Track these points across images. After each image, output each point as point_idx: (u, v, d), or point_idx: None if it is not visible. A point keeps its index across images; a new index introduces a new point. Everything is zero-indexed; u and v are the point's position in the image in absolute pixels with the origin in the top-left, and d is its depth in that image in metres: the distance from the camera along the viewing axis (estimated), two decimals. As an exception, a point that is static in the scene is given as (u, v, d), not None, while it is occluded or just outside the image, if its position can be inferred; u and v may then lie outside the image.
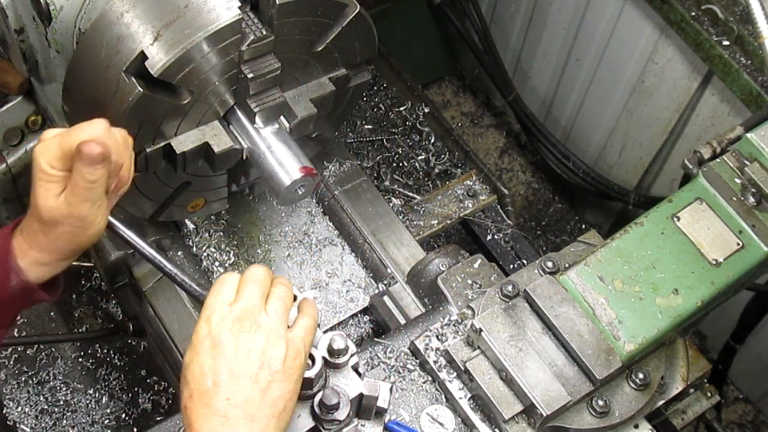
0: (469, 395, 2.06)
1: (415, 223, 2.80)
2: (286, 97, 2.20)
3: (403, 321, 2.42)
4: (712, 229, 2.10)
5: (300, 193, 2.18)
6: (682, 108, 3.55)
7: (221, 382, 1.54)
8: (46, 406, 3.02)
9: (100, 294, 3.26)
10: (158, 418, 2.92)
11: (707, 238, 2.09)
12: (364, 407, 1.80)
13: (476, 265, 2.32)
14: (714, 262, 2.07)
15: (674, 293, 2.04)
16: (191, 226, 2.64)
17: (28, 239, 1.74)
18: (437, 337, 2.13)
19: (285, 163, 2.15)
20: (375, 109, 3.59)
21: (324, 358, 1.73)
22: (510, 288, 2.12)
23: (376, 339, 2.20)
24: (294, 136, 2.24)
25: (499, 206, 2.90)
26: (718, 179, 2.13)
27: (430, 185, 3.50)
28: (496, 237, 2.82)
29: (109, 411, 3.04)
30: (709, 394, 2.30)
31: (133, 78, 1.97)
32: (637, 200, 3.90)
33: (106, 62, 2.00)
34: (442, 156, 3.53)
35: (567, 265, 2.10)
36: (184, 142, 2.15)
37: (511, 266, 2.74)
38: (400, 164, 3.52)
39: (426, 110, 3.57)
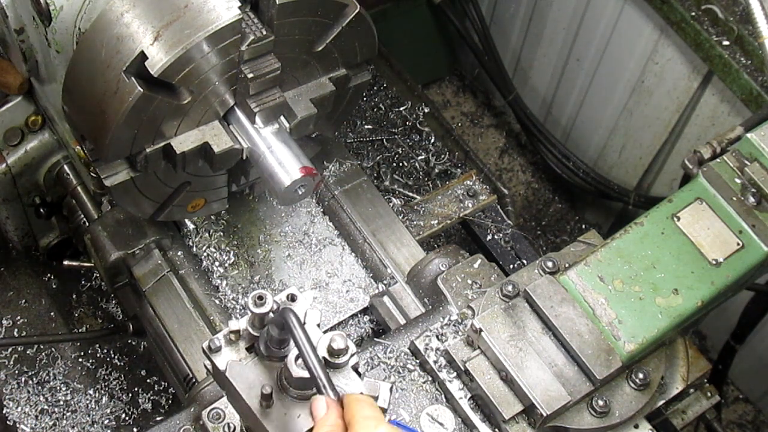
0: (469, 395, 2.06)
1: (415, 223, 2.80)
2: (286, 97, 2.20)
3: (403, 321, 2.42)
4: (712, 229, 2.10)
5: (300, 193, 2.18)
6: (682, 108, 3.55)
7: None
8: (46, 406, 3.02)
9: (100, 294, 3.26)
10: (158, 418, 2.92)
11: (707, 238, 2.09)
12: (364, 407, 1.80)
13: (476, 265, 2.33)
14: (714, 262, 2.07)
15: (674, 293, 2.04)
16: (191, 226, 2.64)
17: None
18: (437, 337, 2.13)
19: (285, 163, 2.15)
20: (375, 109, 3.59)
21: (324, 358, 1.73)
22: (510, 288, 2.12)
23: (376, 339, 2.20)
24: (294, 136, 2.24)
25: (499, 206, 2.89)
26: (718, 179, 2.13)
27: (430, 185, 3.50)
28: (496, 237, 2.82)
29: (109, 411, 3.04)
30: (709, 394, 2.30)
31: (133, 78, 1.97)
32: (637, 200, 3.90)
33: (106, 62, 2.00)
34: (442, 156, 3.54)
35: (567, 265, 2.11)
36: (184, 142, 2.15)
37: (511, 266, 2.74)
38: (400, 164, 3.52)
39: (426, 110, 3.57)
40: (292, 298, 1.80)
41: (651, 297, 2.03)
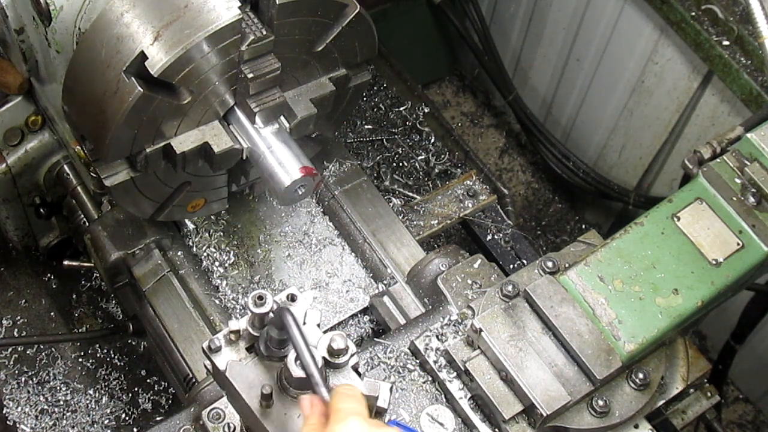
0: (469, 395, 2.06)
1: (415, 223, 2.80)
2: (286, 97, 2.20)
3: (403, 321, 2.42)
4: (712, 229, 2.10)
5: (300, 193, 2.18)
6: (682, 108, 3.55)
7: None
8: (46, 406, 3.02)
9: (100, 294, 3.26)
10: (158, 418, 2.92)
11: (707, 238, 2.09)
12: (364, 407, 1.80)
13: (476, 265, 2.32)
14: (714, 262, 2.07)
15: (674, 293, 2.04)
16: (191, 226, 2.64)
17: None
18: (437, 337, 2.13)
19: (285, 163, 2.15)
20: (375, 109, 3.59)
21: (324, 358, 1.73)
22: (510, 288, 2.12)
23: (376, 339, 2.20)
24: (294, 136, 2.24)
25: (499, 206, 2.89)
26: (718, 179, 2.13)
27: (430, 185, 3.50)
28: (496, 237, 2.82)
29: (109, 411, 3.04)
30: (709, 394, 2.30)
31: (133, 78, 1.97)
32: (637, 200, 3.90)
33: (106, 62, 2.00)
34: (442, 156, 3.54)
35: (567, 265, 2.10)
36: (184, 142, 2.15)
37: (511, 266, 2.74)
38: (400, 164, 3.52)
39: (426, 110, 3.57)
40: (292, 298, 1.80)
41: (651, 297, 2.03)
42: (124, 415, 3.04)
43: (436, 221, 2.82)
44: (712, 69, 3.25)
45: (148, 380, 3.10)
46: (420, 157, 3.52)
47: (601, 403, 2.00)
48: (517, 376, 1.96)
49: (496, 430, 2.02)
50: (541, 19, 4.05)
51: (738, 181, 2.12)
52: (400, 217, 2.74)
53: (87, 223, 2.71)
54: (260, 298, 1.71)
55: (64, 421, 3.01)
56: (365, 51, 2.35)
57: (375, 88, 3.59)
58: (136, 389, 3.09)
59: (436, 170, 3.51)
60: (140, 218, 2.49)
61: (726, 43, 3.14)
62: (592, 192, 4.09)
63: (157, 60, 1.95)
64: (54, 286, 3.26)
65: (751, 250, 2.08)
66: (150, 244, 2.54)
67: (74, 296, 3.26)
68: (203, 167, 2.28)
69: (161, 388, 3.08)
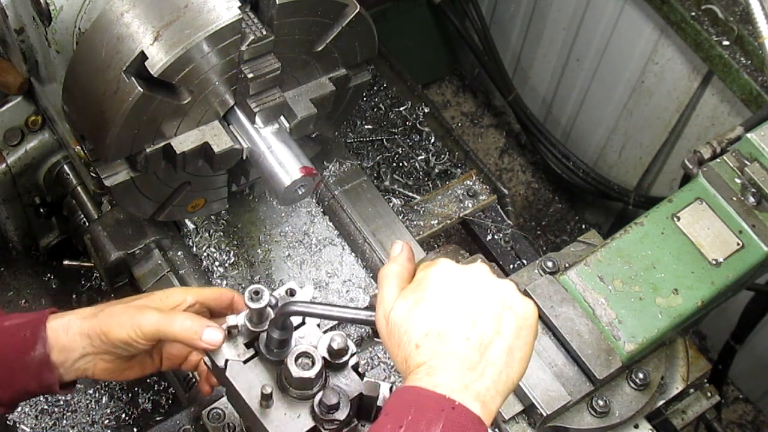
0: (469, 395, 2.05)
1: (415, 223, 2.80)
2: (286, 97, 2.20)
3: (403, 321, 2.41)
4: (712, 229, 2.10)
5: (300, 193, 2.18)
6: (682, 108, 3.55)
7: None
8: (46, 406, 3.01)
9: (100, 294, 3.25)
10: (158, 418, 2.92)
11: (707, 238, 2.09)
12: (364, 407, 1.80)
13: (476, 265, 2.32)
14: (714, 262, 2.07)
15: (674, 293, 2.04)
16: (191, 226, 2.64)
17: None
18: (437, 337, 2.13)
19: (285, 163, 2.15)
20: (375, 109, 3.58)
21: (324, 358, 1.74)
22: (510, 288, 2.12)
23: (376, 339, 2.21)
24: (294, 136, 2.24)
25: (499, 206, 2.89)
26: (718, 179, 2.13)
27: (430, 185, 3.49)
28: (496, 237, 2.82)
29: (109, 411, 3.03)
30: (709, 394, 2.30)
31: (133, 78, 1.97)
32: (637, 200, 3.90)
33: (106, 62, 2.00)
34: (442, 156, 3.53)
35: (567, 265, 2.10)
36: (184, 142, 2.15)
37: (511, 266, 2.74)
38: (400, 164, 3.52)
39: (426, 110, 3.57)
40: (291, 292, 1.81)
41: (651, 297, 2.03)
42: (124, 415, 3.04)
43: (436, 221, 2.82)
44: (712, 69, 3.26)
45: (148, 380, 3.10)
46: (420, 157, 3.51)
47: (601, 403, 2.00)
48: (517, 376, 1.96)
49: (496, 430, 2.02)
50: (541, 19, 4.05)
51: (738, 181, 2.12)
52: (400, 217, 2.74)
53: (87, 223, 2.71)
54: (256, 293, 1.71)
55: (64, 421, 3.00)
56: (365, 51, 2.35)
57: (375, 88, 3.59)
58: (136, 389, 3.08)
59: (436, 170, 3.50)
60: (140, 218, 2.49)
61: (726, 43, 3.14)
62: (592, 192, 4.09)
63: (157, 60, 1.95)
64: (54, 286, 3.26)
65: (751, 250, 2.08)
66: (150, 244, 2.54)
67: (74, 296, 3.26)
68: (203, 167, 2.28)
69: (161, 388, 3.08)
